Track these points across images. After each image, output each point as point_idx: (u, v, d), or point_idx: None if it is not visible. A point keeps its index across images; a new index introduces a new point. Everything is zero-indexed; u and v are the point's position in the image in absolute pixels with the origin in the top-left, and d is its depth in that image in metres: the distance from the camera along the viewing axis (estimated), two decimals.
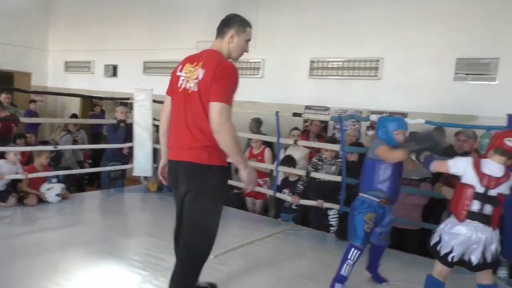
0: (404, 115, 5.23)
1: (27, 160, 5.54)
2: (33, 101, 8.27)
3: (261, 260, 3.49)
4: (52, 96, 9.68)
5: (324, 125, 6.26)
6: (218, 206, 2.31)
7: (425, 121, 3.93)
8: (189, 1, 7.86)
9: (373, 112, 5.14)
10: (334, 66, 6.27)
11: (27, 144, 5.87)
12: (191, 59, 2.36)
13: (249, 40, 2.43)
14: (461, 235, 2.42)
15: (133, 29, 8.55)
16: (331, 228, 4.49)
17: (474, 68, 5.23)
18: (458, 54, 5.27)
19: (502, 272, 3.27)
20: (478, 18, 5.18)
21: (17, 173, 4.65)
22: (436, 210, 4.03)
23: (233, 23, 2.38)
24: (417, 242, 4.00)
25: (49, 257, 3.22)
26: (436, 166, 2.62)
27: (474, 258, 2.41)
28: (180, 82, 2.32)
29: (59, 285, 2.79)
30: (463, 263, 2.46)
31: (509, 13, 4.97)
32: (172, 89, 2.40)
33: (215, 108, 2.12)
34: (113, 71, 8.99)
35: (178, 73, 2.34)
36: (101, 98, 7.95)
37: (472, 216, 2.42)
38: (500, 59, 5.05)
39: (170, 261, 3.26)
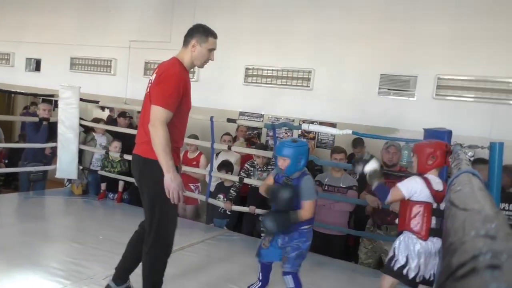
0: (333, 125, 5.48)
1: None
2: None
3: (191, 266, 3.44)
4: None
5: (258, 132, 6.36)
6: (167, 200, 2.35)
7: (352, 132, 4.14)
8: (123, 1, 7.60)
9: (304, 121, 5.34)
10: (268, 74, 6.42)
11: None
12: (158, 66, 2.57)
13: (212, 49, 2.56)
14: (422, 253, 2.47)
15: (60, 20, 8.07)
16: (262, 234, 4.55)
17: (395, 84, 5.64)
18: (382, 70, 5.66)
19: None
20: (399, 38, 5.60)
21: None
22: (360, 217, 4.26)
23: (196, 33, 2.52)
24: (341, 247, 4.21)
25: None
26: (391, 197, 2.60)
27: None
28: (148, 86, 2.53)
29: None
30: (427, 281, 2.50)
31: (426, 35, 5.44)
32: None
33: (152, 110, 2.32)
34: (36, 65, 8.40)
35: (150, 77, 2.54)
36: (22, 94, 7.39)
37: (433, 232, 2.49)
38: (418, 77, 5.50)
39: (94, 268, 3.14)
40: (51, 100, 6.08)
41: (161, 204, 2.39)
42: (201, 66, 2.58)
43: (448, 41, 5.32)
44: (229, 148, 4.96)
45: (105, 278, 3.00)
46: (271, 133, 5.83)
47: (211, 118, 4.81)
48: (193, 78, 6.91)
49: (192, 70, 6.89)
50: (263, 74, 6.45)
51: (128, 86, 7.45)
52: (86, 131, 5.80)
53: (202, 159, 5.36)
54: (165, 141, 2.26)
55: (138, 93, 7.17)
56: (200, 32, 2.52)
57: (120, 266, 2.65)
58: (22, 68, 8.54)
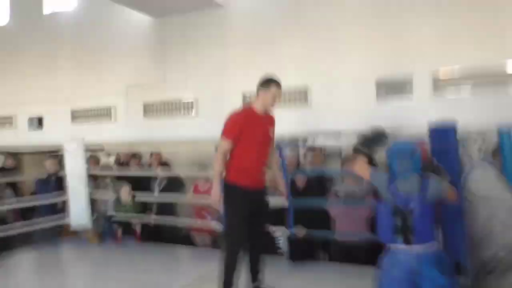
0: (337, 135, 5.48)
1: None
2: None
3: None
4: None
5: None
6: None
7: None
8: (115, 47, 7.78)
9: (306, 139, 5.32)
10: None
11: None
12: None
13: (275, 96, 3.32)
14: None
15: (57, 78, 8.26)
16: (281, 252, 4.49)
17: (393, 88, 5.67)
18: (377, 76, 5.70)
19: None
20: (391, 43, 5.67)
21: None
22: None
23: (262, 83, 3.33)
24: (365, 254, 4.13)
25: None
26: None
27: None
28: None
29: None
30: None
31: (417, 35, 5.51)
32: None
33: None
34: (38, 123, 8.54)
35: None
36: (27, 153, 7.48)
37: None
38: (413, 77, 5.53)
39: None
40: (57, 155, 6.14)
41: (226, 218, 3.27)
42: (271, 106, 3.37)
43: (441, 38, 5.36)
44: None
45: None
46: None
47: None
48: (191, 113, 7.00)
49: (190, 106, 6.94)
50: None
51: (130, 130, 7.53)
52: (96, 179, 5.84)
53: None
54: (217, 166, 3.16)
55: (140, 135, 7.26)
56: (264, 83, 3.33)
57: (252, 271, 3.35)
58: (25, 128, 8.68)
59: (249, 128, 3.19)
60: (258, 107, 3.32)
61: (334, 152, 5.86)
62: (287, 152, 5.76)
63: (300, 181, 4.48)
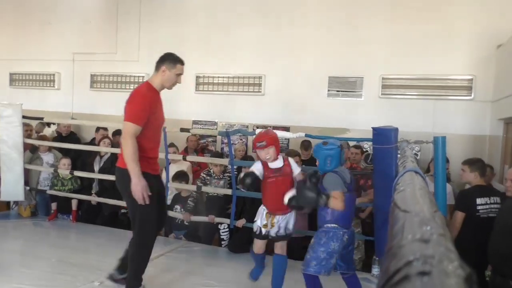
0: (287, 128, 5.57)
1: None
2: None
3: (152, 281, 3.36)
4: None
5: (213, 139, 6.34)
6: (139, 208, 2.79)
7: (305, 134, 4.23)
8: (63, 10, 7.32)
9: (258, 127, 5.38)
10: (220, 81, 6.42)
11: None
12: None
13: (180, 74, 2.97)
14: None
15: None
16: (223, 242, 4.54)
17: (343, 86, 5.83)
18: (330, 73, 5.83)
19: (375, 270, 3.65)
20: (344, 41, 5.79)
21: None
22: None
23: (165, 60, 2.93)
24: (301, 248, 4.27)
25: None
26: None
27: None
28: None
29: None
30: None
31: (369, 38, 5.66)
32: None
33: (123, 125, 2.77)
34: None
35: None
36: None
37: None
38: (364, 78, 5.71)
39: None
40: None
41: (138, 208, 2.79)
42: (170, 88, 2.99)
43: (390, 43, 5.57)
44: (184, 158, 4.90)
45: None
46: (225, 140, 5.83)
47: (164, 128, 4.73)
48: None
49: (140, 81, 6.75)
50: (214, 81, 6.45)
51: (74, 100, 7.18)
52: (32, 150, 5.52)
53: None
54: (132, 151, 2.70)
55: (85, 107, 6.95)
56: (169, 60, 2.93)
57: (123, 259, 3.05)
58: None
59: (155, 111, 2.88)
60: (157, 85, 2.93)
61: (282, 145, 5.95)
62: (236, 140, 5.78)
63: (246, 171, 4.49)
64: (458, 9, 5.34)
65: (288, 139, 5.90)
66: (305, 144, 5.35)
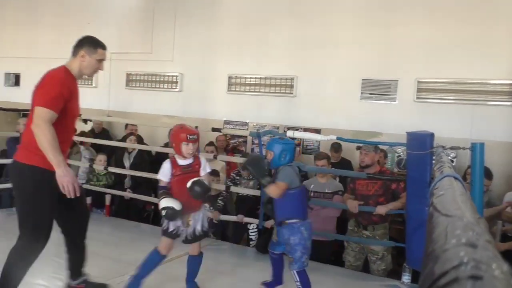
0: (318, 131, 5.53)
1: None
2: None
3: (180, 278, 3.41)
4: None
5: (243, 140, 6.37)
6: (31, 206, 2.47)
7: (336, 137, 4.18)
8: (102, 14, 7.55)
9: (289, 128, 5.37)
10: (251, 82, 6.44)
11: None
12: None
13: (102, 59, 2.67)
14: None
15: (39, 36, 7.97)
16: (251, 242, 4.55)
17: (377, 89, 5.73)
18: (363, 75, 5.74)
19: (406, 278, 3.56)
20: (379, 43, 5.69)
21: None
22: (345, 220, 4.28)
23: (85, 44, 2.63)
24: (329, 253, 4.23)
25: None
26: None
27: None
28: None
29: None
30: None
31: (405, 40, 5.54)
32: None
33: (35, 111, 2.36)
34: (15, 80, 8.26)
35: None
36: (1, 109, 7.23)
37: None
38: (399, 81, 5.60)
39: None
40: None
41: (30, 211, 2.47)
42: (91, 75, 2.73)
43: (427, 46, 5.43)
44: (215, 157, 4.95)
45: None
46: (256, 141, 5.85)
47: (195, 127, 4.79)
48: (176, 88, 6.90)
49: (174, 80, 6.88)
50: (246, 82, 6.48)
51: (110, 98, 7.39)
52: (72, 145, 5.72)
53: None
54: (51, 138, 2.32)
55: (120, 105, 7.13)
56: (89, 44, 2.63)
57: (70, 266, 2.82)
58: (0, 83, 8.40)
59: (71, 99, 2.52)
60: (75, 71, 2.60)
61: (312, 147, 5.92)
62: (266, 142, 5.78)
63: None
64: (498, 12, 5.15)
65: (319, 142, 5.85)
66: (335, 147, 5.30)
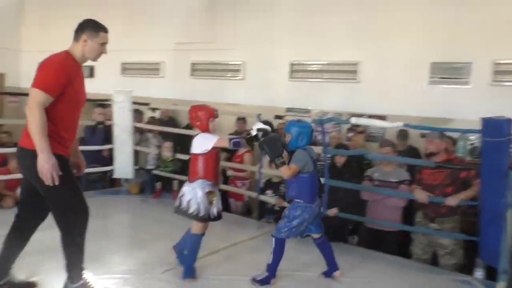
0: (383, 117, 5.35)
1: (1, 162, 5.39)
2: None
3: (244, 263, 3.50)
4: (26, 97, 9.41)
5: None
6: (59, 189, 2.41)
7: (403, 124, 4.02)
8: (166, 3, 7.79)
9: (353, 115, 5.25)
10: (314, 69, 6.36)
11: (2, 146, 5.71)
12: None
13: (104, 43, 2.63)
14: None
15: (110, 28, 8.40)
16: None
17: (448, 72, 5.40)
18: (432, 58, 5.44)
19: (479, 274, 3.38)
20: (449, 24, 5.34)
21: None
22: (412, 210, 4.12)
23: (86, 28, 2.57)
24: (395, 243, 4.11)
25: (27, 261, 3.13)
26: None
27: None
28: None
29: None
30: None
31: (479, 19, 5.15)
32: None
33: (30, 93, 2.35)
34: (90, 72, 8.82)
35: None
36: None
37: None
38: (472, 63, 5.24)
39: (153, 263, 3.29)
40: (104, 104, 6.36)
41: (55, 191, 2.42)
42: (95, 59, 2.65)
43: (505, 24, 5.01)
44: None
45: (163, 273, 3.14)
46: (319, 128, 5.78)
47: (258, 115, 4.85)
48: (239, 76, 6.98)
49: (237, 69, 6.98)
50: (308, 69, 6.41)
51: (176, 88, 7.66)
52: (142, 132, 6.04)
53: (246, 158, 5.46)
54: (40, 123, 2.30)
55: (186, 94, 7.38)
56: (90, 28, 2.58)
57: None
58: None
59: (74, 83, 2.48)
60: (77, 56, 2.56)
61: (377, 134, 5.74)
62: (330, 129, 5.71)
63: (340, 160, 4.43)
64: None
65: (384, 128, 5.66)
66: (402, 134, 5.10)
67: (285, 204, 4.54)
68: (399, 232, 4.14)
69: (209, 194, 3.03)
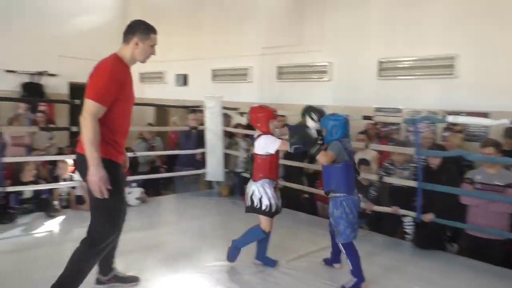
0: (484, 115, 4.91)
1: None
2: None
3: (333, 267, 3.45)
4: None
5: (397, 127, 6.04)
6: (105, 199, 2.39)
7: (510, 122, 3.65)
8: (254, 8, 7.98)
9: (449, 113, 4.89)
10: (404, 66, 6.05)
11: None
12: None
13: (154, 45, 2.62)
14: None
15: (201, 38, 8.87)
16: (407, 236, 4.32)
17: None
18: None
19: None
20: None
21: None
22: None
23: (137, 30, 2.54)
24: (501, 253, 3.73)
25: (130, 258, 3.43)
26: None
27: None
28: None
29: (137, 284, 2.98)
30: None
31: None
32: None
33: (85, 104, 2.37)
34: (184, 80, 9.38)
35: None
36: (174, 107, 8.34)
37: None
38: None
39: (243, 265, 3.39)
40: (198, 110, 6.71)
41: (102, 202, 2.41)
42: (144, 61, 2.62)
43: None
44: (367, 146, 4.83)
45: (253, 274, 3.22)
46: (411, 128, 5.49)
47: (347, 116, 4.75)
48: (325, 78, 6.90)
49: (323, 70, 6.91)
50: (399, 66, 6.11)
51: (263, 92, 7.81)
52: (231, 136, 6.27)
53: None
54: (93, 134, 2.31)
55: (273, 98, 7.48)
56: (142, 30, 2.55)
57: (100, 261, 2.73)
58: (172, 83, 9.64)
59: (125, 88, 2.48)
60: (127, 59, 2.54)
61: (479, 133, 5.27)
62: (423, 128, 5.38)
63: (434, 162, 4.16)
64: None
65: (488, 127, 5.17)
66: (510, 132, 4.61)
67: (376, 208, 4.40)
68: (506, 241, 3.75)
69: (276, 189, 3.23)
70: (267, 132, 3.22)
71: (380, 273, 3.39)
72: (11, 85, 8.63)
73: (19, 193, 4.57)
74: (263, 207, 3.17)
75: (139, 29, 2.54)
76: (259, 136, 3.27)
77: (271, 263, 3.37)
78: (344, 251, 3.04)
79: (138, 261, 3.40)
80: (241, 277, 3.22)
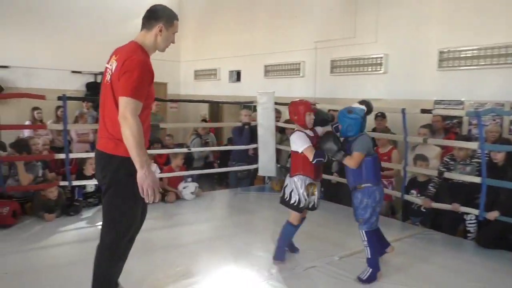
0: None
1: (165, 161, 6.18)
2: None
3: (387, 265, 3.34)
4: (184, 102, 10.60)
5: (458, 121, 5.72)
6: (128, 201, 2.26)
7: None
8: (306, 2, 7.89)
9: None
10: (467, 55, 5.69)
11: (164, 147, 6.53)
12: (116, 51, 2.36)
13: (176, 32, 2.41)
14: None
15: (253, 34, 8.92)
16: (469, 234, 4.09)
17: None
18: None
19: None
20: None
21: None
22: None
23: (161, 16, 2.33)
24: None
25: (184, 250, 3.53)
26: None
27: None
28: (106, 73, 2.33)
29: (192, 276, 3.06)
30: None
31: None
32: (102, 80, 2.45)
33: (121, 102, 2.14)
34: (237, 76, 9.48)
35: (106, 65, 2.35)
36: (227, 103, 8.46)
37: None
38: None
39: (296, 260, 3.38)
40: (250, 106, 6.76)
41: (120, 204, 2.27)
42: (163, 50, 2.42)
43: None
44: (425, 141, 4.61)
45: (305, 270, 3.20)
46: (474, 121, 5.17)
47: (403, 110, 4.57)
48: (380, 70, 6.68)
49: (378, 62, 6.68)
50: (461, 56, 5.76)
51: (316, 86, 7.71)
52: (282, 132, 6.26)
53: (394, 154, 5.18)
54: (138, 135, 2.09)
55: (326, 92, 7.37)
56: (166, 16, 2.33)
57: None
58: (226, 80, 9.78)
59: (152, 81, 2.27)
60: (149, 47, 2.34)
61: None
62: (487, 121, 5.05)
63: (499, 156, 3.89)
64: None
65: None
66: None
67: (434, 205, 4.20)
68: None
69: (309, 186, 3.24)
70: (303, 125, 3.26)
71: (437, 271, 3.24)
72: (76, 85, 9.21)
73: (83, 187, 4.86)
74: (292, 201, 3.25)
75: (164, 14, 2.34)
76: (293, 131, 3.34)
77: (295, 250, 3.56)
78: (365, 239, 3.07)
79: (192, 253, 3.50)
80: (292, 272, 3.20)
